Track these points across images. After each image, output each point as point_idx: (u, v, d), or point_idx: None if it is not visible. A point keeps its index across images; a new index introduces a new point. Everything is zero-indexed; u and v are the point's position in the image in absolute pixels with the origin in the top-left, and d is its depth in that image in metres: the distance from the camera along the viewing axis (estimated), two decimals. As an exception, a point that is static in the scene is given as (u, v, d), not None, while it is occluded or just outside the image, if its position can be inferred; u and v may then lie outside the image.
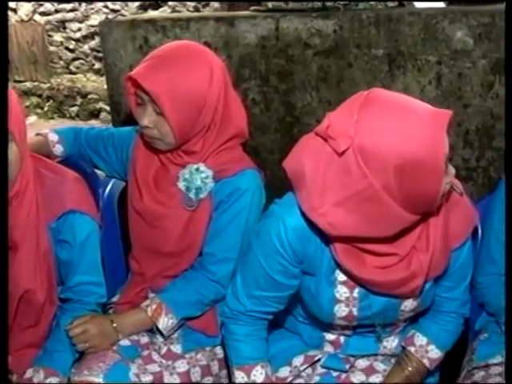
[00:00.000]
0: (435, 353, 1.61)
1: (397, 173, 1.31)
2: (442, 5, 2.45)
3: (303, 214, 1.43)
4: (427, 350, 1.61)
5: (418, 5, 2.42)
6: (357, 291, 1.51)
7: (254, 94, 2.21)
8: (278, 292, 1.55)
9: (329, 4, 2.14)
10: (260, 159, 2.18)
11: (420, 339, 1.62)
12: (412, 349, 1.61)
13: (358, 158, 1.32)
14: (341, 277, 1.51)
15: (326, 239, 1.46)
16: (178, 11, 5.31)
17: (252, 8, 2.40)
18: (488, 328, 1.73)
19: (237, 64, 2.20)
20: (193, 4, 5.09)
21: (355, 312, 1.54)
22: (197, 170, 1.70)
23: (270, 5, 2.29)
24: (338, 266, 1.48)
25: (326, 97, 2.12)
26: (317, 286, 1.53)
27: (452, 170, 1.42)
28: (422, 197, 1.36)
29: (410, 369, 1.60)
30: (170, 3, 5.20)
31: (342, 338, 1.64)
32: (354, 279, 1.49)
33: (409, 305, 1.54)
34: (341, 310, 1.53)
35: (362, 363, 1.65)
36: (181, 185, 1.72)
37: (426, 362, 1.60)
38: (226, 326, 1.62)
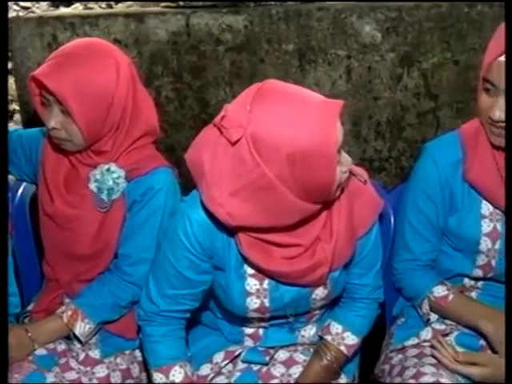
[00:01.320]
0: (351, 339, 1.64)
1: (289, 162, 1.33)
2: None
3: (205, 207, 1.43)
4: (343, 337, 1.63)
5: None
6: (267, 283, 1.53)
7: (168, 92, 2.18)
8: (191, 289, 1.54)
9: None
10: (176, 157, 2.16)
11: (335, 327, 1.64)
12: (329, 337, 1.63)
13: (251, 148, 1.33)
14: (250, 270, 1.52)
15: (231, 232, 1.47)
16: (91, 8, 5.19)
17: (162, 4, 2.37)
18: (404, 313, 1.78)
19: (148, 61, 2.17)
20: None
21: (267, 303, 1.54)
22: (108, 170, 1.66)
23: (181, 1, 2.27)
24: (245, 259, 1.49)
25: (239, 92, 2.10)
26: (227, 281, 1.53)
27: (347, 159, 1.44)
28: (315, 186, 1.37)
29: (328, 358, 1.62)
30: (82, -1, 5.07)
31: (260, 331, 1.64)
32: (262, 271, 1.50)
33: (319, 293, 1.56)
34: (252, 303, 1.54)
35: (281, 355, 1.66)
36: (92, 186, 1.68)
37: (343, 349, 1.63)
38: (142, 328, 1.59)
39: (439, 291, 1.67)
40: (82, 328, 1.67)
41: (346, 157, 1.43)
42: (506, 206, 1.55)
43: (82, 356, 1.69)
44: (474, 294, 1.73)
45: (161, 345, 1.57)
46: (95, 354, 1.71)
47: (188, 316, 1.60)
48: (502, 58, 1.46)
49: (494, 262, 1.65)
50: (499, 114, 1.49)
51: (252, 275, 1.52)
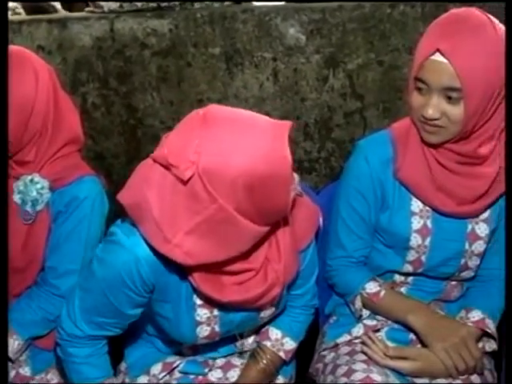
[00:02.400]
0: (290, 344, 1.64)
1: (247, 191, 1.28)
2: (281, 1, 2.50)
3: (153, 248, 1.36)
4: (283, 342, 1.64)
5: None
6: (217, 310, 1.50)
7: (94, 98, 2.15)
8: (121, 320, 1.49)
9: (164, 4, 2.12)
10: (106, 164, 2.13)
11: (274, 333, 1.64)
12: (268, 343, 1.63)
13: (206, 184, 1.27)
14: (199, 300, 1.48)
15: (183, 268, 1.41)
16: (18, 13, 5.07)
17: (87, 9, 2.32)
18: (336, 311, 1.80)
19: (73, 67, 2.13)
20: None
21: (217, 329, 1.52)
22: (31, 181, 1.61)
23: (105, 7, 2.22)
24: (196, 291, 1.45)
25: (167, 97, 2.10)
26: (176, 312, 1.48)
27: (295, 177, 1.42)
28: (273, 209, 1.35)
29: (264, 361, 1.62)
30: (10, 4, 4.94)
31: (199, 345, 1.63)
32: (215, 303, 1.47)
33: (268, 311, 1.56)
34: (203, 331, 1.51)
35: (219, 361, 1.65)
36: (16, 198, 1.62)
37: (281, 354, 1.63)
38: (62, 348, 1.52)
39: (371, 287, 1.69)
40: (11, 345, 1.62)
41: (294, 175, 1.41)
42: (506, 206, 1.57)
43: (12, 374, 1.64)
44: (403, 289, 1.76)
45: (85, 366, 1.52)
46: (25, 371, 1.66)
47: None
48: (434, 57, 1.49)
49: (423, 258, 1.68)
50: (432, 112, 1.52)
51: (201, 305, 1.48)
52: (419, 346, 1.66)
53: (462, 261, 1.69)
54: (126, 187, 1.38)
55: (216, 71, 2.06)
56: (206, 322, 1.50)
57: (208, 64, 2.05)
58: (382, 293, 1.68)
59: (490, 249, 1.72)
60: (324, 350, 1.74)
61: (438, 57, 1.48)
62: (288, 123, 1.35)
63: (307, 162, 2.13)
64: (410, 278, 1.75)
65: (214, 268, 1.40)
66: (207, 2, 2.14)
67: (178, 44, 2.05)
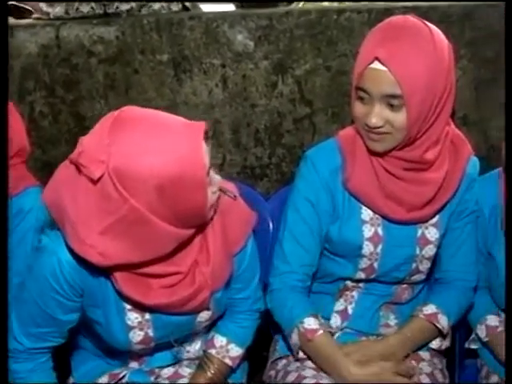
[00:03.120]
0: (236, 351, 1.63)
1: (158, 192, 1.28)
2: (232, 7, 2.50)
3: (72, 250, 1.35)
4: (228, 349, 1.63)
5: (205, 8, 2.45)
6: (148, 313, 1.48)
7: (41, 107, 2.11)
8: (57, 327, 1.48)
9: (110, 11, 2.10)
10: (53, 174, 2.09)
11: (219, 340, 1.63)
12: (213, 351, 1.62)
13: (116, 184, 1.27)
14: (128, 304, 1.47)
15: (105, 270, 1.40)
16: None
17: (33, 16, 2.29)
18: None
19: (19, 76, 2.09)
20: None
21: (151, 333, 1.51)
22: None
23: (51, 14, 2.19)
24: (122, 295, 1.43)
25: (115, 105, 2.07)
26: (106, 317, 1.47)
27: (217, 179, 1.42)
28: (189, 212, 1.34)
29: (212, 370, 1.61)
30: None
31: (144, 355, 1.61)
32: (141, 306, 1.45)
33: (204, 316, 1.55)
34: (136, 336, 1.49)
35: (166, 371, 1.64)
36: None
37: (228, 361, 1.62)
38: (9, 365, 1.49)
39: (310, 323, 1.63)
40: None
41: (215, 177, 1.41)
42: (505, 207, 1.58)
43: None
44: (355, 294, 1.77)
45: (30, 380, 1.50)
46: None
47: (55, 347, 1.54)
48: (373, 65, 1.50)
49: (376, 265, 1.70)
50: (375, 120, 1.52)
51: (131, 309, 1.47)
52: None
53: (413, 265, 1.70)
54: (46, 188, 1.38)
55: (164, 78, 2.04)
56: (138, 326, 1.49)
57: (156, 71, 2.04)
58: (319, 332, 1.61)
59: (446, 252, 1.74)
60: (277, 358, 1.73)
61: (376, 65, 1.49)
62: (202, 124, 1.34)
63: (258, 168, 2.12)
64: (362, 283, 1.76)
65: (136, 270, 1.39)
66: (154, 8, 2.13)
67: (125, 51, 2.03)
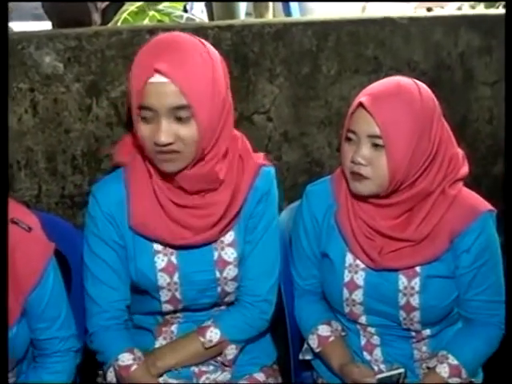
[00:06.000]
0: None
1: None
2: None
3: None
4: None
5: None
6: None
7: None
8: None
9: None
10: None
11: None
12: None
13: None
14: None
15: None
16: None
17: None
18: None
19: None
20: None
21: None
22: None
23: None
24: None
25: None
26: None
27: None
28: None
29: None
30: None
31: None
32: None
33: None
34: None
35: None
36: None
37: None
38: None
39: (124, 359, 1.60)
40: None
41: None
42: (505, 209, 1.56)
43: None
44: (174, 327, 1.71)
45: None
46: None
47: None
48: (154, 79, 1.46)
49: (178, 294, 1.65)
50: (165, 137, 1.48)
51: None
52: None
53: (219, 288, 1.67)
54: None
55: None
56: None
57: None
58: (133, 368, 1.59)
59: (244, 266, 1.71)
60: None
61: (157, 78, 1.46)
62: None
63: (78, 196, 2.00)
64: (178, 314, 1.71)
65: None
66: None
67: None
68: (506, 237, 1.73)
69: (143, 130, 1.51)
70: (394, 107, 1.56)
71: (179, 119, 1.48)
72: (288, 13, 6.06)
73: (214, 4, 3.25)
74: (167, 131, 1.48)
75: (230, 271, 1.65)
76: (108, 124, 1.97)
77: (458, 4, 4.59)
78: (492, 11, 3.71)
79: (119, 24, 3.01)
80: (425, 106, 1.58)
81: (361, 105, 1.59)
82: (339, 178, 1.72)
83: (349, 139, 1.63)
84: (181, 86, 1.45)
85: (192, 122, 1.48)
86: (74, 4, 2.78)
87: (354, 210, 1.66)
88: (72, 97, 1.92)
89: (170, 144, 1.49)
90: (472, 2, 4.39)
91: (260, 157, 1.70)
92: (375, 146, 1.57)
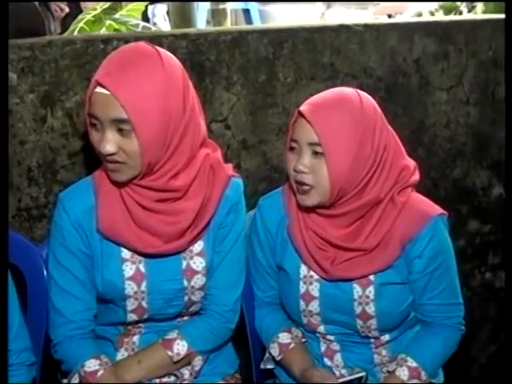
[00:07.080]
0: None
1: None
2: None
3: None
4: None
5: None
6: None
7: None
8: None
9: None
10: None
11: None
12: None
13: None
14: None
15: None
16: None
17: None
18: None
19: None
20: None
21: None
22: None
23: None
24: None
25: None
26: None
27: None
28: None
29: None
30: None
31: None
32: None
33: None
34: None
35: None
36: None
37: None
38: None
39: (90, 366, 1.59)
40: None
41: None
42: (505, 211, 1.56)
43: None
44: (136, 337, 1.70)
45: None
46: None
47: None
48: (98, 90, 1.48)
49: (144, 304, 1.64)
50: (108, 146, 1.50)
51: None
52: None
53: (186, 298, 1.66)
54: None
55: None
56: None
57: None
58: (100, 373, 1.58)
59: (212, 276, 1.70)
60: None
61: (101, 89, 1.48)
62: None
63: (35, 208, 1.97)
64: (141, 324, 1.69)
65: None
66: None
67: None
68: (506, 236, 1.77)
69: (94, 136, 1.55)
70: (332, 115, 1.58)
71: (121, 131, 1.49)
72: (249, 21, 6.10)
73: (170, 12, 3.25)
74: (110, 141, 1.50)
75: (198, 280, 1.65)
76: (63, 135, 1.95)
77: (417, 11, 4.67)
78: (447, 17, 3.78)
79: (75, 33, 2.98)
80: (366, 114, 1.60)
81: (300, 114, 1.60)
82: (289, 190, 1.73)
83: (292, 148, 1.65)
84: (122, 99, 1.46)
85: (133, 136, 1.48)
86: (28, 13, 2.75)
87: (305, 221, 1.67)
88: (26, 108, 1.89)
89: (114, 154, 1.50)
90: (432, 9, 4.48)
91: (229, 167, 1.71)
92: (315, 153, 1.59)
